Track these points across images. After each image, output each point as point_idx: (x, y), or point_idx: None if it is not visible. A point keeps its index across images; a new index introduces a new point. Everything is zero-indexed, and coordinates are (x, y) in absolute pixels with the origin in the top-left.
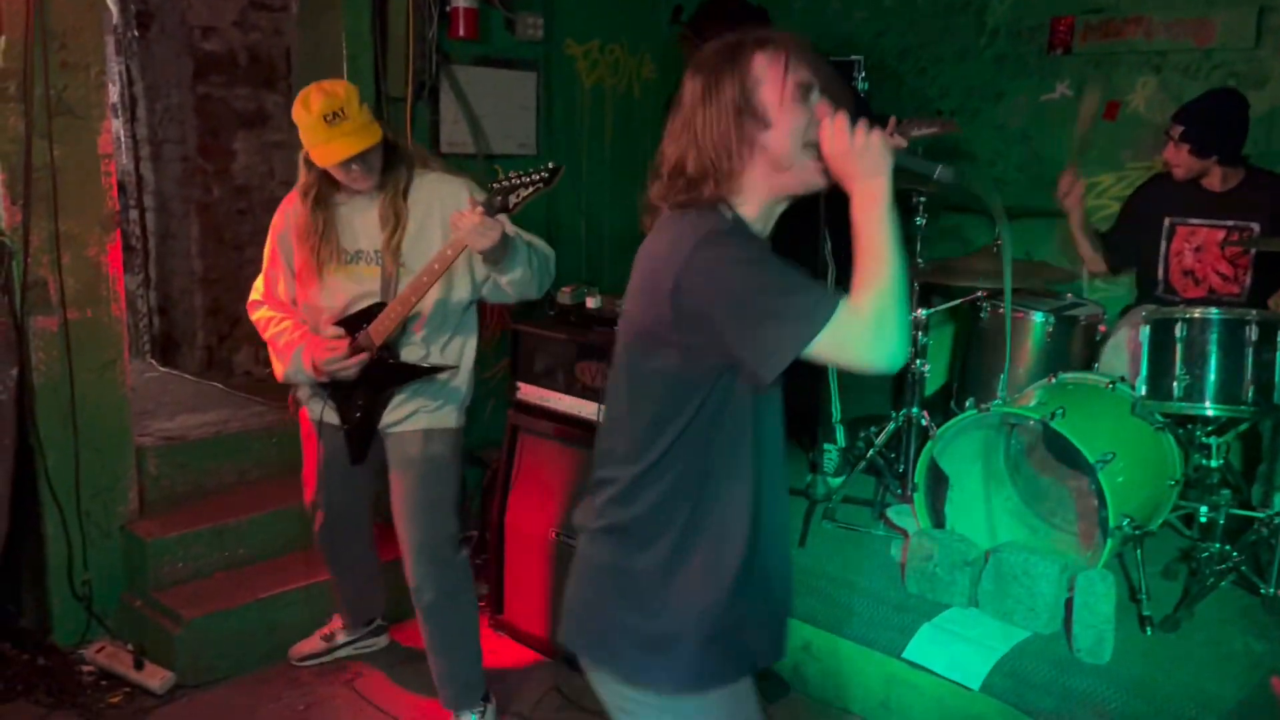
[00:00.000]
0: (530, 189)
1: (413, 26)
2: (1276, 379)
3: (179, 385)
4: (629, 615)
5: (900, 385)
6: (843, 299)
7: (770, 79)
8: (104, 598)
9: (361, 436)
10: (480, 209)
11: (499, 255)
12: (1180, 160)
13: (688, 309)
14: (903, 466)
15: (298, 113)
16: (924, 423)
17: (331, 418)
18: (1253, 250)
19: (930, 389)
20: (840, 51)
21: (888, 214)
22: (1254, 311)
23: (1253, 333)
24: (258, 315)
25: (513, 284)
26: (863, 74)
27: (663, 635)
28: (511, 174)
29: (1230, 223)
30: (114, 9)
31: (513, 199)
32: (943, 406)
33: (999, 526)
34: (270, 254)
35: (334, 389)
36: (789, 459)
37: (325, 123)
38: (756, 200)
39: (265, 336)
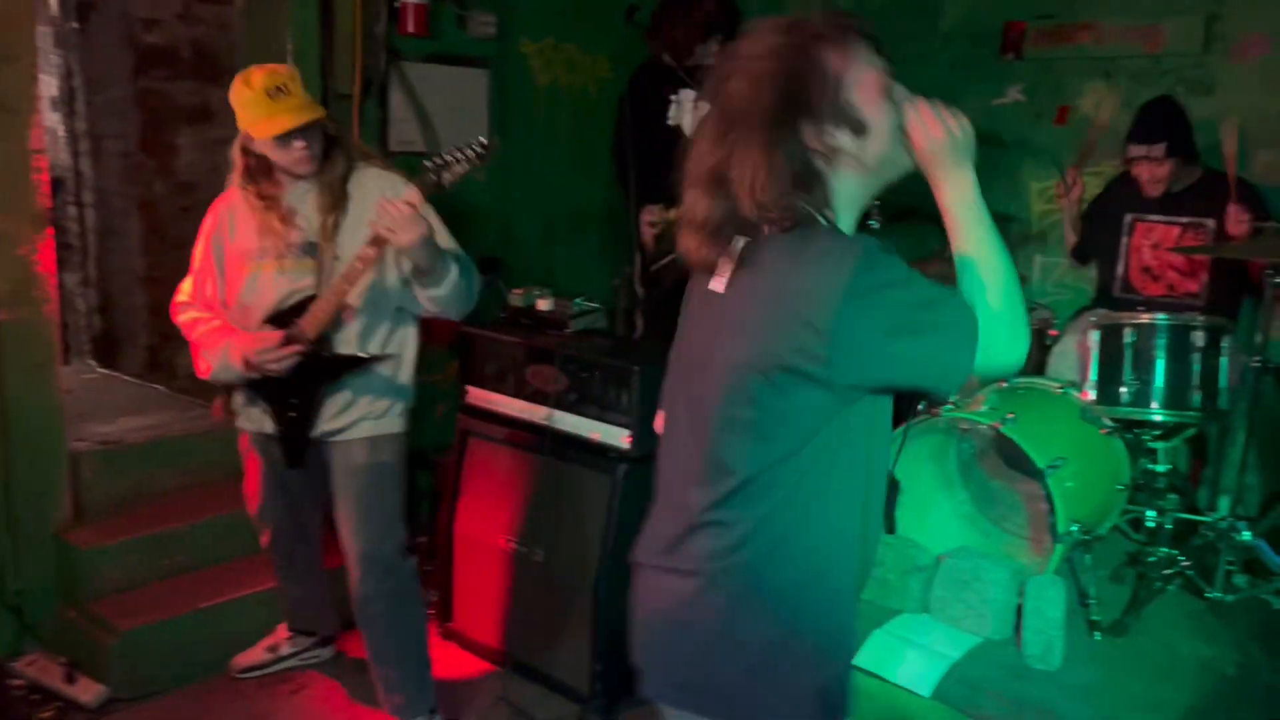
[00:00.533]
0: (463, 165)
1: (361, 22)
2: (1221, 384)
3: (119, 387)
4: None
5: None
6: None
7: (856, 80)
8: (37, 609)
9: (296, 439)
10: (407, 199)
11: (427, 266)
12: (1161, 175)
13: (845, 343)
14: None
15: (238, 90)
16: None
17: (266, 426)
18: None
19: None
20: None
21: (982, 202)
22: (1200, 318)
23: (1199, 339)
24: (184, 317)
25: (433, 300)
26: None
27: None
28: (445, 151)
29: (1185, 220)
30: (52, 0)
31: (446, 176)
32: (896, 411)
33: (951, 531)
34: (201, 256)
35: (268, 389)
36: None
37: (268, 97)
38: (852, 206)
39: (192, 337)
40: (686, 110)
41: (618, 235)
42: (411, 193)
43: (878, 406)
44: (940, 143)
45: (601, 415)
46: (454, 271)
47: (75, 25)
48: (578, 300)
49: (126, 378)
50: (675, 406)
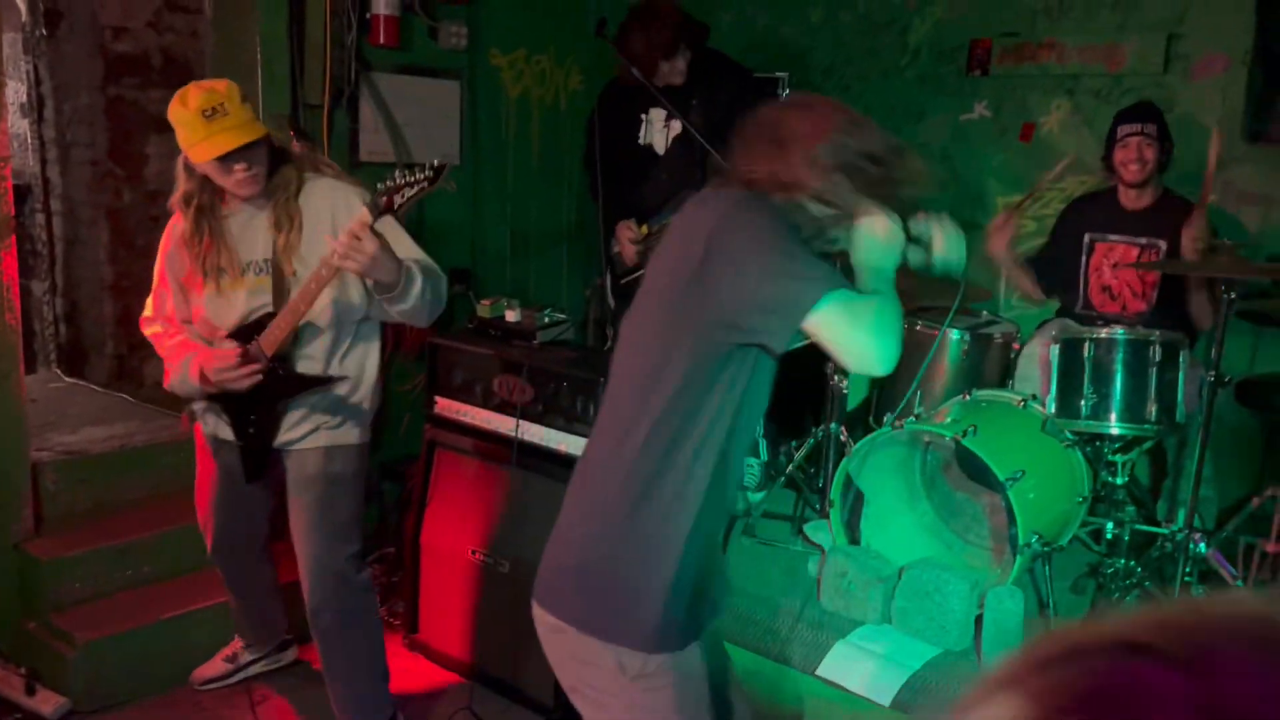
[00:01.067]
0: (415, 189)
1: (330, 32)
2: (1178, 398)
3: (85, 396)
4: (626, 571)
5: (820, 401)
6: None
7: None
8: None
9: (256, 453)
10: (361, 218)
11: (389, 282)
12: (1149, 157)
13: (716, 250)
14: (822, 482)
15: (174, 109)
16: (843, 439)
17: (226, 434)
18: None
19: (852, 404)
20: (766, 67)
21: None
22: (1157, 333)
23: (1156, 353)
24: (151, 331)
25: (399, 312)
26: (787, 90)
27: (647, 590)
28: (396, 173)
29: (1143, 240)
30: (21, 6)
31: (397, 199)
32: (864, 423)
33: (914, 542)
34: (159, 273)
35: (227, 403)
36: None
37: (204, 118)
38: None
39: (160, 351)
40: (657, 129)
41: (588, 247)
42: (358, 218)
43: (756, 375)
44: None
45: (569, 426)
46: (418, 283)
47: (44, 32)
48: (546, 311)
49: (93, 387)
50: None
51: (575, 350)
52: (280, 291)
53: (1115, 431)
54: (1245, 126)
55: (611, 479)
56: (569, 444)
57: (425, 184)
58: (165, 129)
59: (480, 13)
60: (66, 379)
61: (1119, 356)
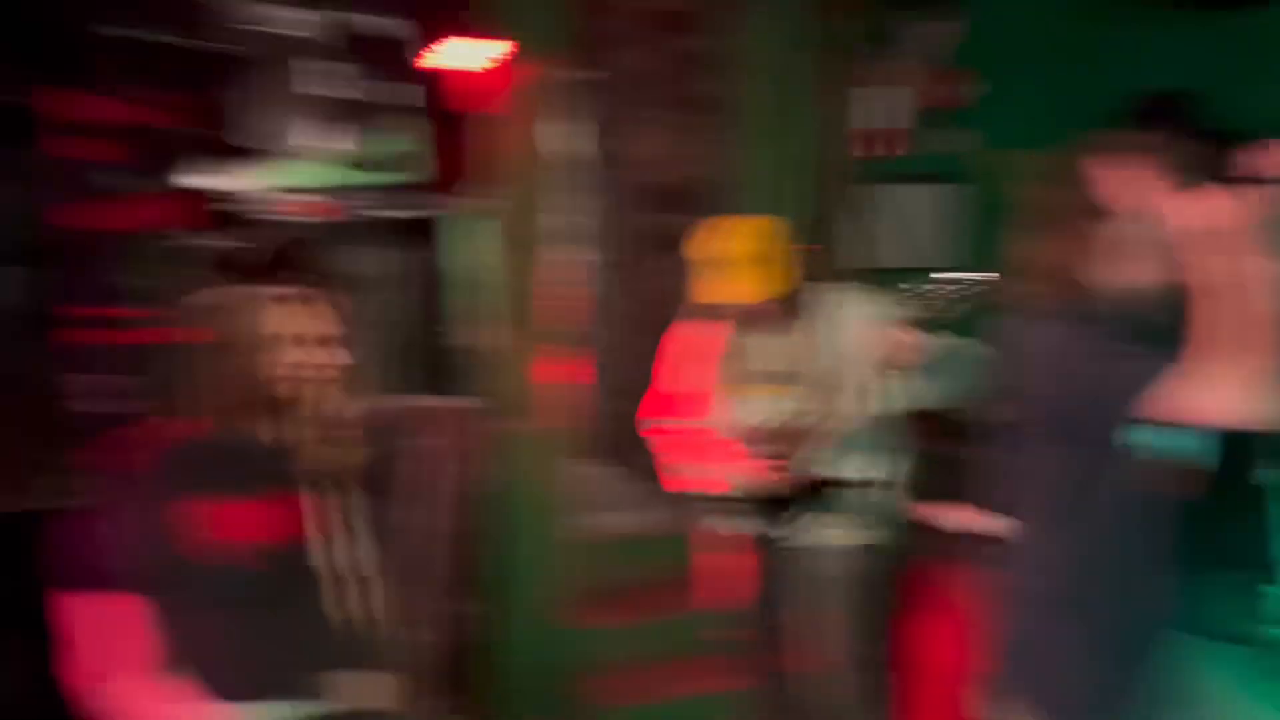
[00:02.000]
0: (961, 301)
1: (837, 150)
2: None
3: (621, 484)
4: None
5: None
6: None
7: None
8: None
9: (791, 551)
10: (906, 328)
11: (922, 366)
12: None
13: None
14: None
15: (715, 244)
16: None
17: (751, 528)
18: None
19: None
20: None
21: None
22: None
23: None
24: (660, 425)
25: (935, 395)
26: None
27: None
28: (939, 283)
29: None
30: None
31: (945, 310)
32: None
33: None
34: (664, 377)
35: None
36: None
37: (742, 263)
38: None
39: (670, 447)
40: None
41: None
42: (902, 328)
43: None
44: None
45: None
46: (947, 361)
47: (601, 172)
48: None
49: (628, 475)
50: None
51: None
52: (805, 399)
53: None
54: None
55: None
56: None
57: (974, 296)
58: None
59: (981, 116)
60: (607, 467)
61: None
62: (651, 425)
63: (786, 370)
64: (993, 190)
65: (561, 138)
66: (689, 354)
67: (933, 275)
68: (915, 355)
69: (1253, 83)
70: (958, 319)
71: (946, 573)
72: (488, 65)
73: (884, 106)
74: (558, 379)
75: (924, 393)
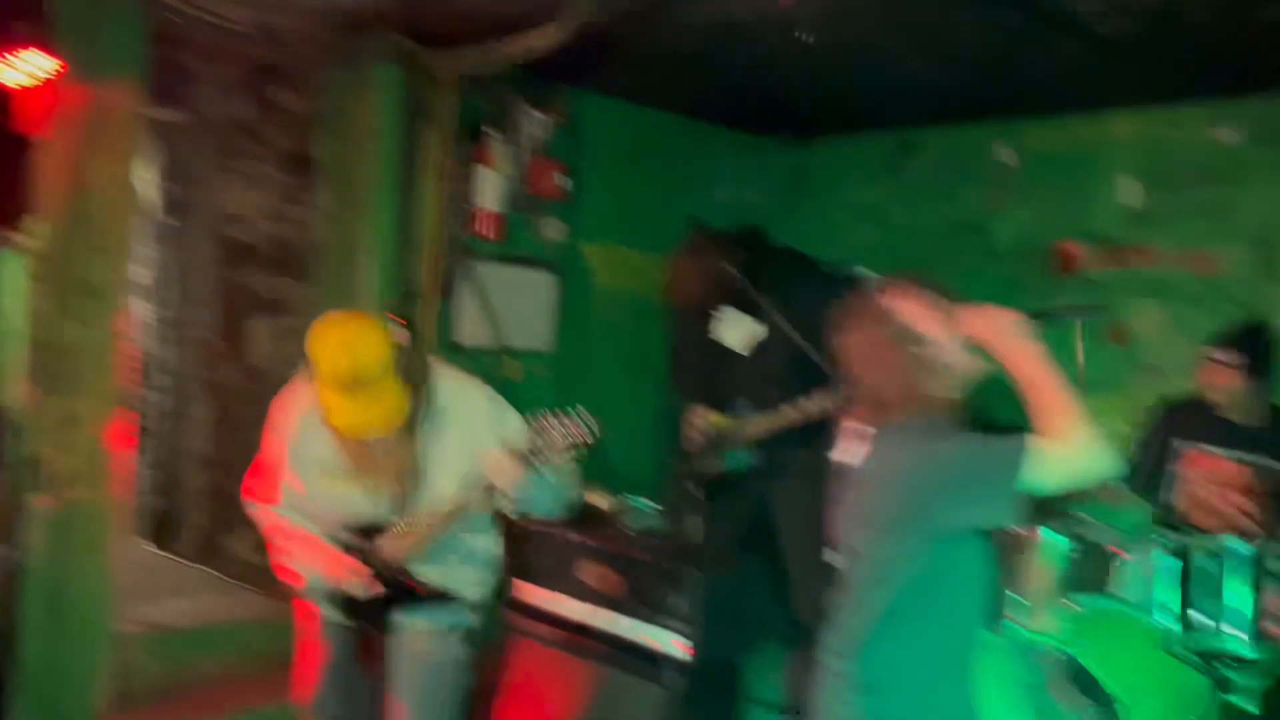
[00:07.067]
0: (568, 453)
1: (440, 226)
2: None
3: (171, 569)
4: None
5: None
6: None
7: (908, 307)
8: None
9: (367, 638)
10: (516, 458)
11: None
12: (1224, 383)
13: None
14: None
15: (319, 359)
16: None
17: (339, 616)
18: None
19: None
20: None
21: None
22: (1274, 542)
23: (1274, 565)
24: (260, 511)
25: (534, 510)
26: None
27: None
28: (550, 420)
29: (1252, 457)
30: (155, 198)
31: (551, 456)
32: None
33: None
34: (277, 454)
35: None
36: None
37: (345, 389)
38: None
39: (275, 536)
40: (729, 325)
41: (672, 435)
42: (512, 457)
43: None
44: (994, 330)
45: (656, 619)
46: (549, 484)
47: (174, 223)
48: (637, 499)
49: (179, 560)
50: None
51: (665, 539)
52: (402, 495)
53: (1235, 649)
54: None
55: None
56: (657, 639)
57: (578, 450)
58: (270, 311)
59: (577, 208)
60: (154, 550)
61: (1237, 567)
62: (251, 500)
63: (383, 463)
64: (583, 280)
65: (121, 177)
66: (284, 427)
67: (546, 417)
68: (516, 472)
69: (804, 205)
70: (561, 453)
71: (533, 656)
72: (38, 82)
73: (490, 188)
74: (103, 445)
75: (517, 505)
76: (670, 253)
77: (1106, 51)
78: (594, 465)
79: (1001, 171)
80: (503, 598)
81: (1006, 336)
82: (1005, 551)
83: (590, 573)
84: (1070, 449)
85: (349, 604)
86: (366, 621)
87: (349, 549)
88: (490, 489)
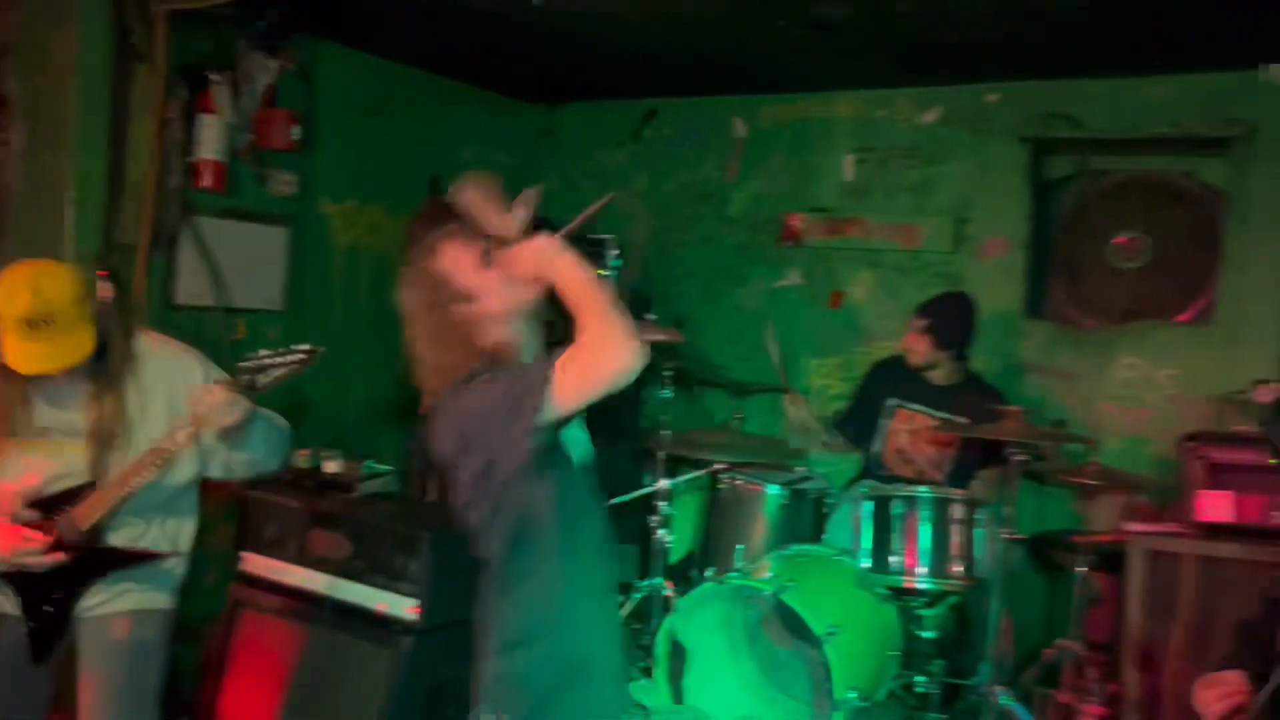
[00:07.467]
0: (284, 369)
1: (154, 174)
2: (977, 554)
3: None
4: None
5: (645, 555)
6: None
7: (457, 264)
8: None
9: (50, 632)
10: (224, 387)
11: (236, 432)
12: (920, 348)
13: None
14: (648, 639)
15: (1, 301)
16: (666, 593)
17: (10, 608)
18: (956, 441)
19: (674, 557)
20: (594, 230)
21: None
22: (959, 492)
23: (958, 511)
24: None
25: (247, 463)
26: (616, 251)
27: None
28: (263, 352)
29: (944, 415)
30: None
31: (261, 379)
32: (687, 577)
33: (737, 699)
34: None
35: (19, 582)
36: None
37: (28, 328)
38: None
39: None
40: None
41: (411, 398)
42: (219, 391)
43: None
44: (534, 264)
45: (388, 584)
46: (261, 428)
47: None
48: (368, 463)
49: None
50: None
51: (398, 504)
52: (99, 461)
53: (923, 586)
54: (1025, 304)
55: None
56: (388, 603)
57: (297, 366)
58: None
59: (313, 162)
60: None
61: (925, 514)
62: None
63: (76, 426)
64: (319, 237)
65: None
66: None
67: (259, 352)
68: (226, 420)
69: (550, 168)
70: (272, 389)
71: (262, 628)
72: None
73: (212, 136)
74: None
75: (229, 459)
76: (413, 211)
77: (828, 33)
78: (331, 429)
79: (736, 144)
80: (231, 572)
81: (551, 263)
82: (726, 503)
83: (321, 540)
84: (607, 344)
85: (25, 586)
86: (46, 613)
87: (29, 524)
88: (195, 433)
